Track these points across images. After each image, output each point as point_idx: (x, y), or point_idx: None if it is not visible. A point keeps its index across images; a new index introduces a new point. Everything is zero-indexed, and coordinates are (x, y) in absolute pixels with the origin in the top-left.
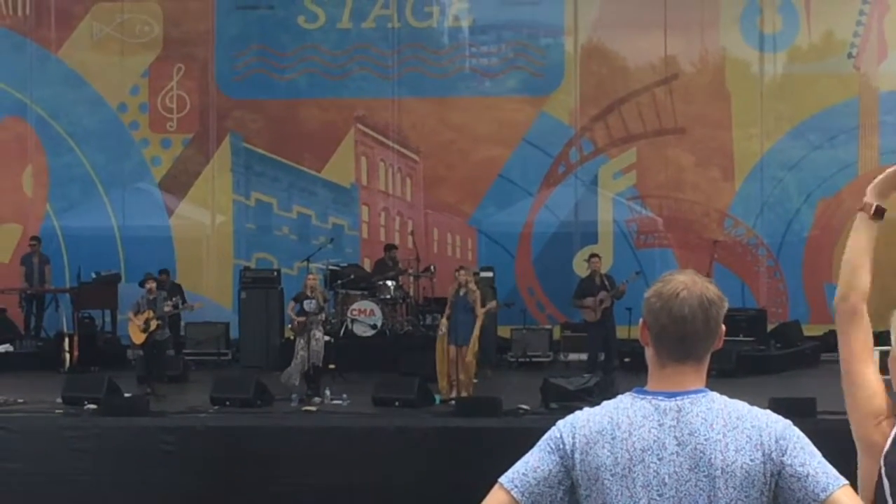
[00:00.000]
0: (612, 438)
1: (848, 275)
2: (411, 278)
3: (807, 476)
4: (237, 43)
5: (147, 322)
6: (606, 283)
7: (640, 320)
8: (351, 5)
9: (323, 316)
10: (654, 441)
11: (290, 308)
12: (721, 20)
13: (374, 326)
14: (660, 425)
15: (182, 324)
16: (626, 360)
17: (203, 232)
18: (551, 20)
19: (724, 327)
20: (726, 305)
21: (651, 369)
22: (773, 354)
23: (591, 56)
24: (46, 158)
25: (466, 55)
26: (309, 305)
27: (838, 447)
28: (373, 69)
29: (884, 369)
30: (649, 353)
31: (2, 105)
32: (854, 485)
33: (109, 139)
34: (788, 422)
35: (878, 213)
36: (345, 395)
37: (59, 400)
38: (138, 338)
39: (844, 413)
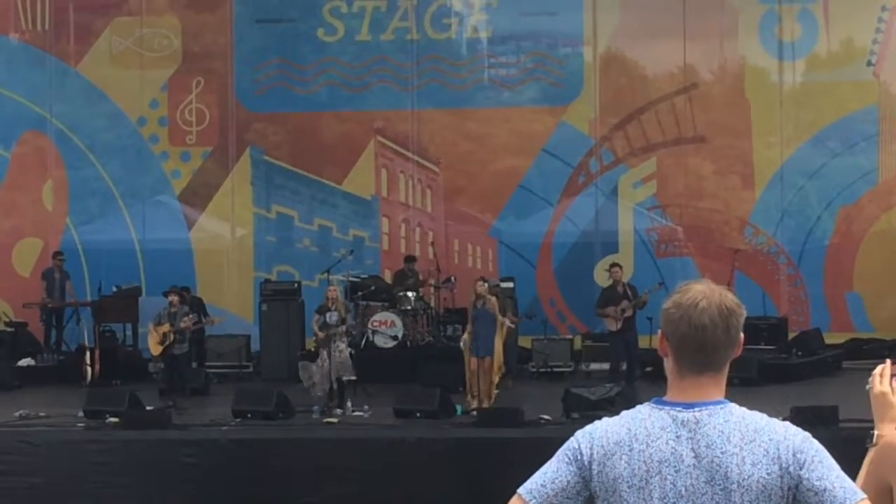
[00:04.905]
0: (630, 450)
1: None
2: (432, 289)
3: (824, 490)
4: (256, 56)
5: (165, 335)
6: (629, 292)
7: (659, 331)
8: (370, 18)
9: (345, 328)
10: (672, 453)
11: (314, 321)
12: (740, 28)
13: (394, 337)
14: (677, 437)
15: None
16: (648, 369)
17: (223, 245)
18: (570, 30)
19: (743, 335)
20: (745, 313)
21: (670, 380)
22: (795, 363)
23: (610, 65)
24: (66, 172)
25: (485, 66)
26: (331, 318)
27: (861, 455)
28: (392, 81)
29: None
30: (668, 363)
31: (22, 119)
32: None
33: (129, 153)
34: (807, 434)
35: None
36: (366, 407)
37: (81, 413)
38: (156, 349)
39: (866, 421)
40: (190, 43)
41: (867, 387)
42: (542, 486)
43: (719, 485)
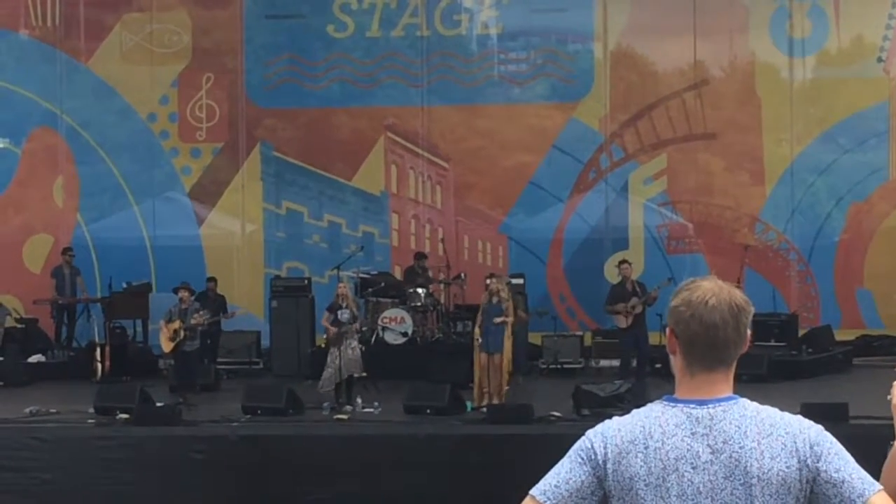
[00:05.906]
0: (646, 448)
1: None
2: (442, 286)
3: (842, 482)
4: (267, 52)
5: (176, 332)
6: (638, 289)
7: (667, 329)
8: (380, 14)
9: (358, 326)
10: (688, 450)
11: (324, 318)
12: (750, 25)
13: (404, 334)
14: (692, 434)
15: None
16: (658, 365)
17: (233, 241)
18: (580, 26)
19: (750, 332)
20: (753, 310)
21: (679, 377)
22: (805, 359)
23: (621, 62)
24: (77, 169)
25: (495, 62)
26: (343, 315)
27: (871, 452)
28: (402, 77)
29: None
30: (677, 361)
31: (32, 116)
32: None
33: (139, 149)
34: (820, 427)
35: None
36: (376, 403)
37: (92, 410)
38: (167, 346)
39: (876, 418)
40: (200, 39)
41: (888, 397)
42: (556, 486)
43: (739, 480)
